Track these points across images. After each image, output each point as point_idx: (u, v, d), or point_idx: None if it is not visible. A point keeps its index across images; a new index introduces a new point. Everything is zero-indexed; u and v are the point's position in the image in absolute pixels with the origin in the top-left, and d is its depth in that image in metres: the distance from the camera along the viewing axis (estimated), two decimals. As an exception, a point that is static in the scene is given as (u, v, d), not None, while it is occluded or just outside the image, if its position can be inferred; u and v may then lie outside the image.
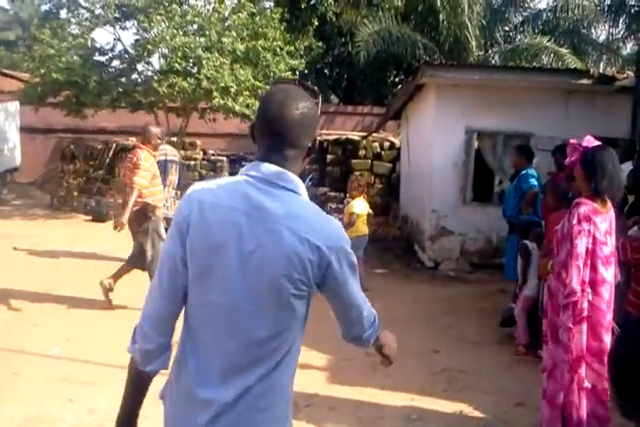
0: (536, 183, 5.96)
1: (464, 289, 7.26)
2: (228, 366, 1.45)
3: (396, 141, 13.28)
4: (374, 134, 13.27)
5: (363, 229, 6.93)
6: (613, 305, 3.22)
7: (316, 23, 17.34)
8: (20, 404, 3.90)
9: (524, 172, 6.09)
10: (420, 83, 8.21)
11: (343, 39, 17.85)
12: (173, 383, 1.53)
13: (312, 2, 17.84)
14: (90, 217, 11.03)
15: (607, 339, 3.13)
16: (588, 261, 3.10)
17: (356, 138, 13.47)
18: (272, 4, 16.66)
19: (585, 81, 7.67)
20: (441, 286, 7.54)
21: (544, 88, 7.91)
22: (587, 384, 3.12)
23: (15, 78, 19.70)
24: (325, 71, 19.36)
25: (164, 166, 7.67)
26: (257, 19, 12.08)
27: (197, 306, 1.48)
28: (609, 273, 3.17)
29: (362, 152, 13.15)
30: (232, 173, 14.43)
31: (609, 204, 3.19)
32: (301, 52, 13.56)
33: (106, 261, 7.97)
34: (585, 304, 3.10)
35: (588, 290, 3.10)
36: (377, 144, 13.20)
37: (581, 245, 3.07)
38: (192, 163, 14.39)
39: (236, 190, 1.47)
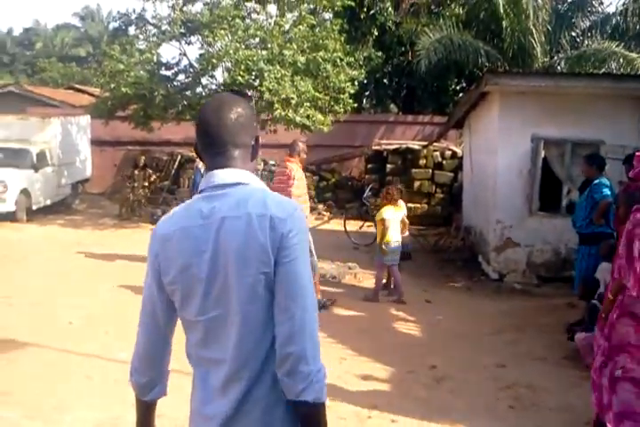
0: (609, 193, 5.73)
1: (530, 303, 7.04)
2: (225, 378, 1.45)
3: (458, 150, 13.09)
4: (435, 143, 13.12)
5: (395, 236, 6.98)
6: None
7: (376, 33, 17.40)
8: (93, 407, 4.04)
9: (596, 181, 5.86)
10: (484, 91, 8.08)
11: (403, 48, 17.81)
12: (190, 404, 1.57)
13: (372, 12, 17.93)
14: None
15: None
16: None
17: (417, 147, 13.36)
18: (331, 16, 16.79)
19: (658, 87, 7.36)
20: (506, 299, 7.33)
21: (614, 95, 7.64)
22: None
23: (86, 93, 20.72)
24: (385, 81, 19.34)
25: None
26: (317, 30, 12.21)
27: (189, 329, 1.52)
28: None
29: (422, 161, 13.03)
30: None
31: None
32: (361, 63, 13.60)
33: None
34: None
35: None
36: (438, 153, 13.06)
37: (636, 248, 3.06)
38: (253, 173, 14.63)
39: (190, 210, 1.51)
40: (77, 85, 23.95)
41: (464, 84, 18.40)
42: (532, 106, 7.70)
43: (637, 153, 3.30)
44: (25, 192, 11.61)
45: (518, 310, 6.73)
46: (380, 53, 16.42)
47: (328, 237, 10.97)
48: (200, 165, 8.83)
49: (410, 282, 7.73)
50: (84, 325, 5.82)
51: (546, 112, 7.66)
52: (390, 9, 17.75)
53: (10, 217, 11.19)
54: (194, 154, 10.24)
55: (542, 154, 7.72)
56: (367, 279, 8.09)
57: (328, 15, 17.04)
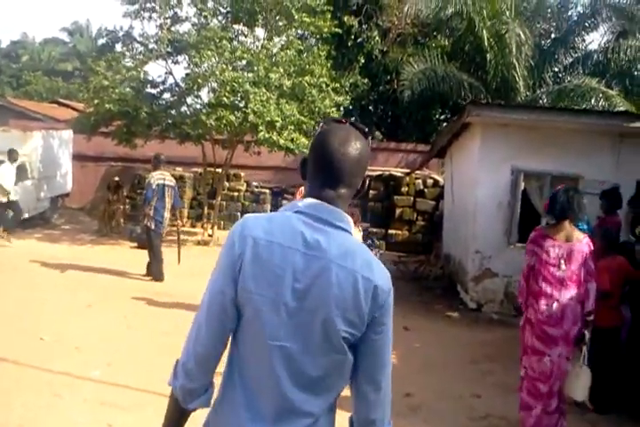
0: (586, 228, 5.82)
1: (508, 333, 7.05)
2: (282, 406, 1.42)
3: (440, 179, 13.24)
4: (417, 171, 13.27)
5: None
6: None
7: (362, 60, 17.69)
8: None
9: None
10: (466, 121, 8.22)
11: (389, 77, 18.11)
12: (219, 416, 1.50)
13: (359, 40, 18.26)
14: (135, 244, 11.25)
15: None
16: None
17: (399, 174, 13.50)
18: (320, 42, 17.06)
19: (638, 124, 7.54)
20: (484, 329, 7.35)
21: (594, 130, 7.81)
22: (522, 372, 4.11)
23: (70, 108, 20.63)
24: (370, 108, 19.59)
25: (162, 190, 8.73)
26: (304, 56, 12.36)
27: (248, 344, 1.46)
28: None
29: (404, 189, 13.16)
30: (274, 205, 14.60)
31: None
32: (347, 89, 13.75)
33: (148, 286, 8.12)
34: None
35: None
36: (420, 181, 13.19)
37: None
38: (235, 194, 14.64)
39: (289, 228, 1.46)
40: (62, 100, 23.84)
41: (448, 115, 18.70)
42: (512, 138, 7.84)
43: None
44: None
45: (496, 340, 6.75)
46: (365, 80, 16.59)
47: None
48: (152, 180, 8.75)
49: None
50: (55, 341, 5.69)
51: (526, 145, 7.79)
52: (377, 38, 18.10)
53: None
54: (176, 172, 10.30)
55: (522, 186, 7.84)
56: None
57: (314, 41, 17.38)
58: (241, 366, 1.46)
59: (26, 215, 12.42)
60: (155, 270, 8.82)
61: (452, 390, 5.20)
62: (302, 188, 7.20)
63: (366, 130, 1.57)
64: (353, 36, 17.79)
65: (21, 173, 12.25)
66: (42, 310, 6.74)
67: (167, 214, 8.93)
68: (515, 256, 7.63)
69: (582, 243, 3.95)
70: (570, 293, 3.88)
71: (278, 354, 1.42)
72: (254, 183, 15.10)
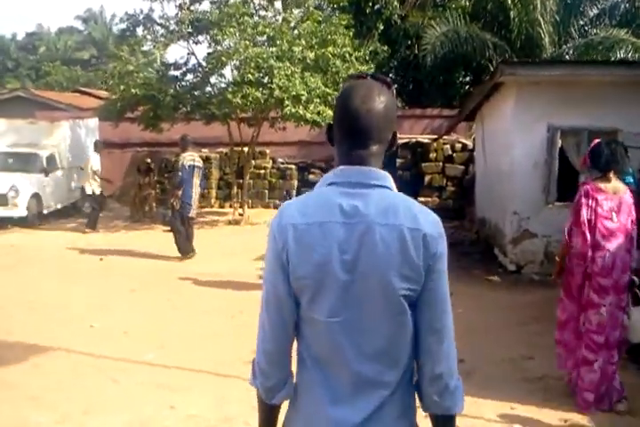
0: (632, 181, 5.64)
1: (550, 294, 6.94)
2: (355, 382, 1.41)
3: (468, 143, 13.00)
4: (445, 137, 13.04)
5: None
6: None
7: (381, 27, 17.32)
8: (122, 410, 4.00)
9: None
10: (498, 81, 7.99)
11: (409, 42, 17.72)
12: (299, 403, 1.49)
13: (377, 6, 17.86)
14: (168, 227, 11.32)
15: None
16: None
17: (426, 141, 13.28)
18: (337, 12, 16.72)
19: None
20: (525, 290, 7.26)
21: (629, 82, 7.53)
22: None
23: (92, 96, 20.71)
24: (391, 75, 19.22)
25: (191, 171, 8.79)
26: (324, 26, 12.13)
27: (312, 327, 1.44)
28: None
29: (432, 155, 12.95)
30: (301, 181, 14.55)
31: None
32: (367, 57, 13.50)
33: (184, 267, 8.20)
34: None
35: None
36: (448, 146, 12.97)
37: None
38: (262, 172, 14.61)
39: (325, 203, 1.42)
40: (83, 88, 23.94)
41: (471, 77, 18.29)
42: (546, 95, 7.60)
43: None
44: (36, 197, 11.61)
45: (538, 301, 6.65)
46: (385, 48, 16.31)
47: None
48: (184, 161, 8.82)
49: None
50: (106, 327, 5.79)
51: (561, 101, 7.56)
52: (396, 3, 17.67)
53: (22, 222, 11.20)
54: (203, 154, 10.30)
55: (559, 144, 7.63)
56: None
57: (332, 10, 17.03)
58: (310, 349, 1.45)
59: (59, 206, 12.62)
60: (182, 246, 8.89)
61: (503, 353, 5.15)
62: None
63: (388, 80, 1.51)
64: (370, 3, 17.39)
65: (51, 163, 12.39)
66: (87, 298, 6.86)
67: (195, 195, 9.00)
68: (553, 215, 7.48)
69: (627, 194, 4.08)
70: (619, 242, 4.00)
71: (341, 329, 1.40)
72: (280, 160, 15.04)
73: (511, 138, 7.91)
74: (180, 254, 8.92)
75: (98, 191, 11.47)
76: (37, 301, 6.65)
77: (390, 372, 1.42)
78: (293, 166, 14.71)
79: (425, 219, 1.41)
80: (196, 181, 8.94)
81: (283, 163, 14.86)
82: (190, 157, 8.89)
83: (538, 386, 4.44)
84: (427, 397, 1.46)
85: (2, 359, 4.90)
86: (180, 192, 8.77)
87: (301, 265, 1.40)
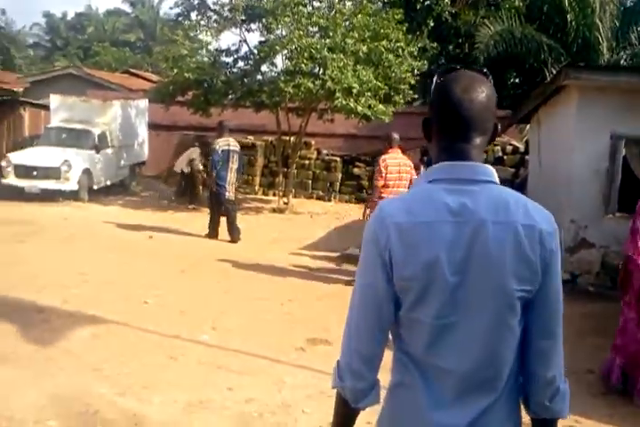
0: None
1: (607, 306, 6.82)
2: (460, 386, 1.36)
3: (520, 146, 12.81)
4: (496, 138, 12.85)
5: None
6: None
7: (431, 24, 17.15)
8: (181, 389, 4.06)
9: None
10: (560, 85, 7.84)
11: (460, 40, 17.52)
12: (396, 408, 1.44)
13: (427, 3, 17.68)
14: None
15: None
16: None
17: (476, 141, 13.11)
18: (387, 6, 16.61)
19: None
20: (582, 301, 7.11)
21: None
22: None
23: (141, 78, 20.99)
24: (439, 73, 19.04)
25: (226, 155, 9.08)
26: (376, 19, 12.05)
27: (415, 330, 1.38)
28: None
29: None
30: (345, 173, 14.52)
31: None
32: (415, 54, 13.39)
33: (231, 251, 8.26)
34: None
35: None
36: (499, 148, 12.80)
37: None
38: (306, 162, 14.63)
39: (430, 201, 1.36)
40: (132, 70, 24.23)
41: (522, 79, 18.00)
42: (611, 102, 7.42)
43: None
44: (87, 172, 11.84)
45: (596, 313, 6.52)
46: (434, 45, 16.14)
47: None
48: (217, 146, 9.15)
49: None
50: (159, 305, 5.87)
51: (626, 109, 7.37)
52: (447, 0, 17.50)
53: (73, 196, 11.43)
54: (248, 141, 10.34)
55: (622, 152, 7.46)
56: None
57: (382, 5, 16.89)
58: (410, 352, 1.40)
59: (108, 183, 12.82)
60: (210, 228, 9.31)
61: (566, 364, 5.07)
62: (385, 156, 7.17)
63: (485, 70, 1.47)
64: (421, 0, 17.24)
65: (102, 141, 12.59)
66: (138, 274, 6.96)
67: (232, 179, 9.24)
68: (613, 226, 7.32)
69: None
70: None
71: (448, 332, 1.35)
72: (325, 151, 15.03)
73: (571, 144, 7.75)
74: (230, 239, 9.23)
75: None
76: (90, 273, 6.77)
77: (496, 376, 1.37)
78: (338, 159, 14.70)
79: (539, 214, 1.36)
80: (232, 165, 9.19)
81: (327, 155, 14.85)
82: (224, 142, 9.17)
83: (603, 402, 4.36)
84: (536, 401, 1.42)
85: (63, 327, 5.01)
86: (214, 174, 9.09)
87: (407, 266, 1.34)
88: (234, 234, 9.18)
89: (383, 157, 7.00)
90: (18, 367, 4.25)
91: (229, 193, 9.25)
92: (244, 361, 4.59)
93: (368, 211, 7.27)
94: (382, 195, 6.76)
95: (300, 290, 6.83)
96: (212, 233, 9.33)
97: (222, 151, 9.09)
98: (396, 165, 6.94)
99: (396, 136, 7.11)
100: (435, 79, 1.46)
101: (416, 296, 1.35)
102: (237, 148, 9.42)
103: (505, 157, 12.73)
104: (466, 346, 1.35)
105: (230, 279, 7.04)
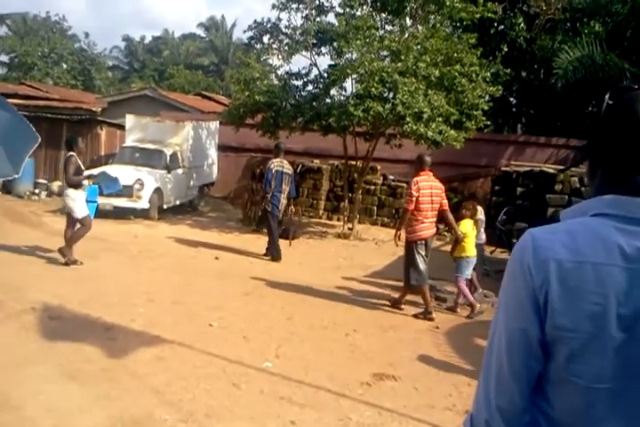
0: None
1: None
2: None
3: (598, 177, 12.20)
4: (573, 168, 12.32)
5: (468, 250, 7.12)
6: None
7: (505, 49, 16.84)
8: (245, 420, 3.93)
9: None
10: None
11: (535, 66, 17.10)
12: None
13: (501, 27, 17.40)
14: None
15: None
16: None
17: (552, 171, 12.60)
18: (459, 30, 16.46)
19: None
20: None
21: None
22: None
23: (213, 100, 21.54)
24: (511, 99, 18.61)
25: (280, 177, 9.30)
26: (449, 43, 11.90)
27: (563, 390, 1.19)
28: None
29: (558, 186, 12.24)
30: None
31: None
32: (488, 79, 13.10)
33: (296, 275, 8.14)
34: None
35: None
36: (576, 179, 12.22)
37: None
38: (372, 187, 14.47)
39: (599, 239, 1.16)
40: (204, 92, 24.92)
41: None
42: None
43: None
44: (158, 191, 12.08)
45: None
46: (508, 70, 15.80)
47: (453, 258, 10.53)
48: (272, 165, 9.32)
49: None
50: (223, 328, 5.80)
51: None
52: (522, 25, 17.17)
53: (143, 214, 11.67)
54: (314, 164, 10.43)
55: None
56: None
57: (453, 29, 16.72)
58: (554, 414, 1.20)
59: (177, 202, 13.05)
60: (272, 251, 9.32)
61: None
62: (417, 178, 6.91)
63: None
64: (495, 24, 16.97)
65: (174, 161, 12.87)
66: (203, 295, 6.94)
67: (284, 200, 9.46)
68: None
69: None
70: None
71: (607, 398, 1.14)
72: (390, 177, 14.82)
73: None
74: (264, 253, 9.43)
75: None
76: (156, 293, 6.80)
77: None
78: (404, 184, 14.45)
79: None
80: (285, 187, 9.43)
81: (394, 180, 14.65)
82: (279, 164, 9.38)
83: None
84: None
85: (128, 347, 5.00)
86: (269, 195, 9.24)
87: (565, 312, 1.15)
88: (275, 253, 9.31)
89: (415, 179, 6.87)
90: (84, 385, 4.25)
91: (280, 214, 9.51)
92: (307, 393, 4.43)
93: (398, 233, 7.17)
94: (418, 218, 6.71)
95: (365, 320, 6.63)
96: (277, 255, 9.33)
97: (276, 171, 9.26)
98: (428, 187, 6.81)
99: (427, 159, 7.03)
100: (606, 100, 1.27)
101: (571, 351, 1.16)
102: (290, 171, 9.64)
103: (583, 189, 12.13)
104: (629, 416, 1.14)
105: (294, 305, 6.91)
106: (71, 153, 7.87)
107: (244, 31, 13.45)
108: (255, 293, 7.28)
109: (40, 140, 6.35)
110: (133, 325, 5.62)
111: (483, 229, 7.82)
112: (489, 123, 12.59)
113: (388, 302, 7.27)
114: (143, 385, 4.33)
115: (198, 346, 5.19)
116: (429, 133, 10.80)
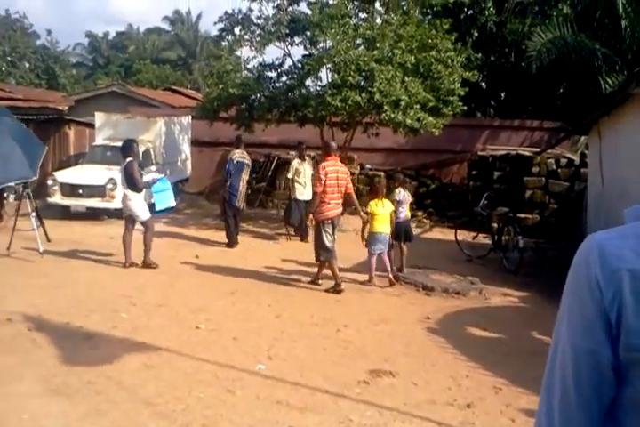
0: None
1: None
2: None
3: (575, 158, 12.24)
4: (549, 150, 12.32)
5: (375, 227, 7.66)
6: None
7: (476, 34, 16.80)
8: (242, 427, 3.76)
9: None
10: (630, 93, 7.37)
11: (506, 49, 17.07)
12: None
13: (471, 12, 17.34)
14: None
15: None
16: None
17: (528, 154, 12.59)
18: (429, 17, 16.34)
19: None
20: None
21: None
22: None
23: (183, 95, 21.08)
24: (482, 84, 18.55)
25: (240, 167, 9.84)
26: (422, 29, 11.75)
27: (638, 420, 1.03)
28: None
29: (535, 169, 12.24)
30: (388, 188, 14.13)
31: None
32: (464, 64, 12.98)
33: (280, 271, 7.96)
34: None
35: None
36: (552, 161, 12.22)
37: None
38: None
39: None
40: (174, 87, 24.42)
41: (572, 89, 17.39)
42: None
43: None
44: (132, 190, 11.68)
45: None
46: (479, 55, 15.72)
47: (437, 246, 10.47)
48: (234, 156, 9.80)
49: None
50: (212, 330, 5.59)
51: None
52: (492, 9, 17.13)
53: (117, 214, 11.30)
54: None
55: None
56: (494, 296, 7.56)
57: (423, 15, 16.56)
58: None
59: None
60: (228, 236, 9.66)
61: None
62: (324, 164, 7.17)
63: None
64: (465, 9, 16.90)
65: (146, 158, 12.51)
66: (187, 296, 6.73)
67: (243, 189, 9.97)
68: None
69: None
70: None
71: None
72: (368, 166, 14.70)
73: (641, 156, 7.26)
74: (227, 242, 9.68)
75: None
76: (138, 296, 6.55)
77: None
78: (382, 173, 14.34)
79: None
80: (245, 176, 9.98)
81: (371, 169, 14.52)
82: (240, 155, 9.91)
83: None
84: None
85: (112, 356, 4.77)
86: (228, 184, 9.65)
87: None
88: (232, 240, 9.61)
89: (322, 164, 7.26)
90: (70, 400, 4.02)
91: (239, 202, 9.88)
92: (304, 396, 4.26)
93: (310, 215, 7.63)
94: (324, 199, 7.09)
95: (355, 314, 6.49)
96: (232, 241, 9.63)
97: (237, 162, 9.75)
98: (334, 172, 7.17)
99: (333, 144, 7.62)
100: None
101: None
102: (249, 161, 10.23)
103: (559, 171, 12.14)
104: None
105: (281, 302, 6.73)
106: (129, 159, 7.92)
107: (215, 23, 13.03)
108: (240, 291, 7.08)
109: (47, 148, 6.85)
110: (116, 332, 5.38)
111: (405, 209, 8.32)
112: (465, 108, 12.46)
113: (309, 280, 7.61)
114: (133, 397, 4.11)
115: (187, 351, 4.99)
116: (408, 121, 10.66)
